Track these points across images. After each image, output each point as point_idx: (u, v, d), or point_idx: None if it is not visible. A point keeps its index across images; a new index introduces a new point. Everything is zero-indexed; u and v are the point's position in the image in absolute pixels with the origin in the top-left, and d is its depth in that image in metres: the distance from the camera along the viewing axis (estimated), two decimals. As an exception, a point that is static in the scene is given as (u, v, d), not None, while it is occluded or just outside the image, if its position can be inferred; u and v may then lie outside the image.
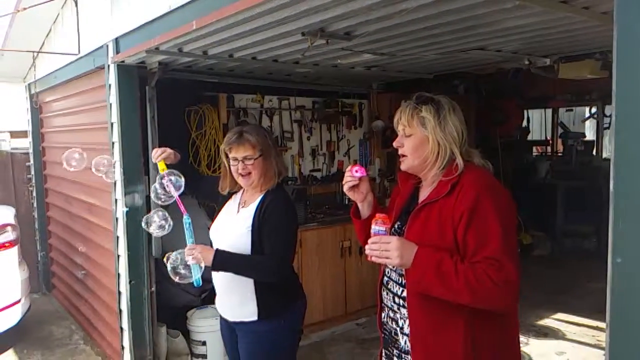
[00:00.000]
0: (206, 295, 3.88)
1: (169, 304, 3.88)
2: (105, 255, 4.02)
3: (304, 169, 5.09)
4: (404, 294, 1.67)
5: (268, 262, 2.20)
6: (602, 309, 1.17)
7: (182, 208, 2.16)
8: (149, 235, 2.62)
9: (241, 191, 2.40)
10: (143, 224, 2.24)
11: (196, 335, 3.76)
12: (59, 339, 4.66)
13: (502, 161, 6.10)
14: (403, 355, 1.71)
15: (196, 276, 2.09)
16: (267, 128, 4.63)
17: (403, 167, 1.73)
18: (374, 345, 3.97)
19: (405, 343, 1.69)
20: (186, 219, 2.16)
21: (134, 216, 3.44)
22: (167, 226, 2.21)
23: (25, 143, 6.13)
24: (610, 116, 5.98)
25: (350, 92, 5.27)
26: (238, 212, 2.35)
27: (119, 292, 3.69)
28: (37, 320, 4.99)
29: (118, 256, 3.65)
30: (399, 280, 1.71)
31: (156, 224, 2.21)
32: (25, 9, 4.10)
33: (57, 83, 4.85)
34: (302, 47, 2.91)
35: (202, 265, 2.10)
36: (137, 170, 3.51)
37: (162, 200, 2.17)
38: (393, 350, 1.76)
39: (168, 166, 2.26)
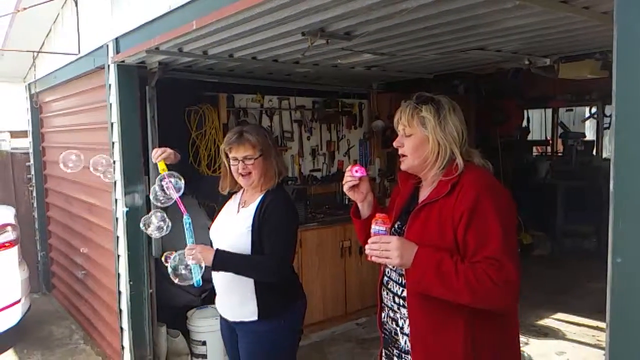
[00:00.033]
0: (206, 295, 3.88)
1: (169, 304, 3.88)
2: (105, 255, 4.02)
3: (304, 169, 5.09)
4: (404, 293, 1.67)
5: (268, 262, 2.20)
6: (602, 309, 1.17)
7: (182, 208, 2.16)
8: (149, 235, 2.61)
9: (241, 191, 2.40)
10: (141, 226, 2.24)
11: (196, 335, 3.76)
12: (59, 338, 4.66)
13: (502, 161, 6.10)
14: (403, 355, 1.71)
15: (196, 276, 2.09)
16: (267, 128, 4.63)
17: (403, 167, 1.73)
18: (374, 345, 3.97)
19: (405, 343, 1.69)
20: (186, 219, 2.16)
21: (134, 216, 3.43)
22: (165, 228, 2.21)
23: (25, 143, 6.13)
24: (610, 116, 5.98)
25: (350, 92, 5.27)
26: (238, 212, 2.35)
27: (119, 292, 3.69)
28: (37, 320, 4.99)
29: (118, 256, 3.65)
30: (399, 280, 1.71)
31: (154, 226, 2.21)
32: (25, 9, 4.10)
33: (57, 83, 4.85)
34: (302, 47, 2.91)
35: (202, 265, 2.10)
36: (137, 170, 3.51)
37: (162, 202, 2.17)
38: (393, 350, 1.76)
39: (168, 166, 2.26)
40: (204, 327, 3.70)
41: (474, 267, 1.47)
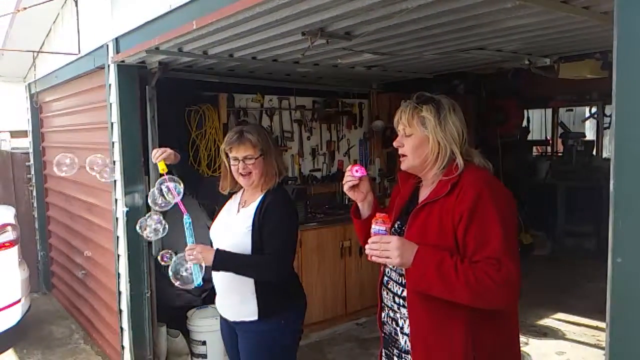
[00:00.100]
0: (206, 295, 3.88)
1: (169, 304, 3.88)
2: (105, 255, 4.02)
3: (304, 169, 5.09)
4: (404, 293, 1.67)
5: (268, 262, 2.20)
6: (602, 309, 1.17)
7: (182, 208, 2.17)
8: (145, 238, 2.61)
9: (241, 191, 2.40)
10: (137, 228, 2.23)
11: (196, 335, 3.76)
12: (59, 338, 4.66)
13: (502, 161, 6.10)
14: (403, 355, 1.71)
15: (197, 279, 2.09)
16: (267, 128, 4.63)
17: (403, 166, 1.73)
18: (374, 345, 3.97)
19: (405, 343, 1.69)
20: (186, 219, 2.16)
21: (134, 216, 3.43)
22: (161, 230, 2.21)
23: (25, 143, 6.13)
24: (610, 116, 5.98)
25: (350, 92, 5.27)
26: (238, 212, 2.35)
27: (119, 292, 3.69)
28: (37, 320, 4.99)
29: (118, 256, 3.65)
30: (399, 280, 1.71)
31: (150, 228, 2.21)
32: (25, 9, 4.10)
33: (57, 83, 4.84)
34: (302, 47, 2.91)
35: (203, 265, 2.10)
36: (137, 170, 3.51)
37: (160, 206, 2.17)
38: (393, 350, 1.76)
39: (168, 166, 2.26)
40: (204, 327, 3.71)
41: (474, 267, 1.47)
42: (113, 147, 3.57)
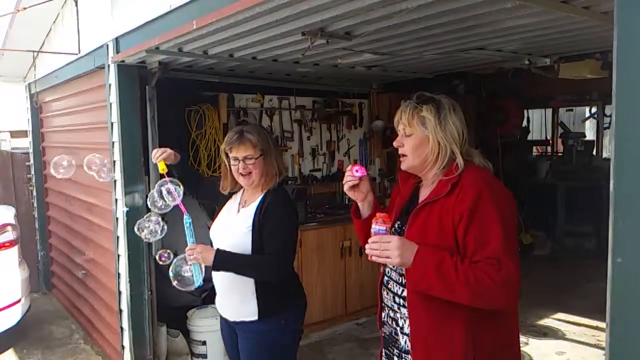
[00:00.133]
0: (206, 295, 3.88)
1: (169, 304, 3.88)
2: (105, 255, 4.02)
3: (304, 169, 5.09)
4: (404, 293, 1.67)
5: (269, 261, 2.20)
6: (602, 309, 1.17)
7: (182, 208, 2.17)
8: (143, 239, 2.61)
9: (241, 191, 2.40)
10: (135, 229, 2.23)
11: (196, 335, 3.76)
12: (59, 338, 4.66)
13: (502, 161, 6.10)
14: (403, 355, 1.71)
15: (198, 281, 2.10)
16: (267, 128, 4.63)
17: (403, 166, 1.73)
18: (374, 345, 3.97)
19: (405, 343, 1.69)
20: (187, 219, 2.17)
21: (134, 216, 3.43)
22: (159, 232, 2.21)
23: (25, 143, 6.13)
24: (610, 116, 5.98)
25: (350, 92, 5.27)
26: (238, 212, 2.35)
27: (119, 292, 3.69)
28: (37, 320, 4.99)
29: (118, 256, 3.65)
30: (399, 280, 1.71)
31: (147, 230, 2.22)
32: (25, 8, 4.11)
33: (57, 83, 4.84)
34: (302, 47, 2.91)
35: (203, 267, 2.11)
36: (137, 170, 3.51)
37: (159, 208, 2.17)
38: (393, 350, 1.76)
39: (168, 166, 2.27)
40: (204, 327, 3.71)
41: (474, 266, 1.47)
42: (113, 147, 3.57)
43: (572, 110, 8.38)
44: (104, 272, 4.09)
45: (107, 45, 3.57)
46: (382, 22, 2.44)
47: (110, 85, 3.57)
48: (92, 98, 4.09)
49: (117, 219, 3.63)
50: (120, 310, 3.70)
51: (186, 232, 2.16)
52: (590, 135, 8.35)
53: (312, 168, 5.15)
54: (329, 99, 5.17)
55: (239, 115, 4.60)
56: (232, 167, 2.29)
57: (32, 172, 5.87)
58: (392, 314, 1.75)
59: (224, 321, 2.43)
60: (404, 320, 1.69)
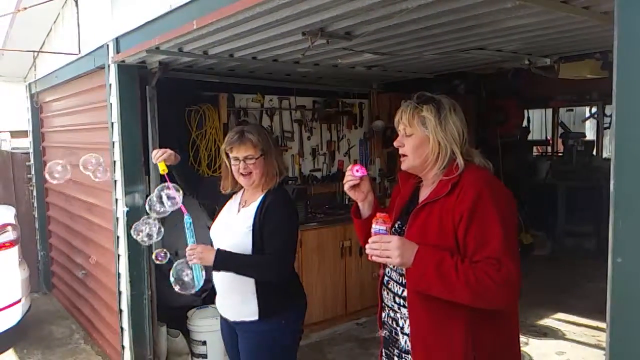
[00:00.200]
0: (206, 294, 3.88)
1: (169, 304, 3.88)
2: (105, 255, 4.02)
3: (304, 169, 5.09)
4: (405, 293, 1.67)
5: (269, 261, 2.20)
6: (602, 309, 1.17)
7: (183, 209, 2.17)
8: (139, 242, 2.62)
9: (241, 191, 2.40)
10: (131, 232, 2.24)
11: (196, 334, 3.76)
12: (59, 338, 4.66)
13: (502, 161, 6.10)
14: (403, 355, 1.71)
15: (198, 282, 2.10)
16: (268, 128, 4.63)
17: (404, 166, 1.73)
18: (374, 345, 3.97)
19: (405, 343, 1.70)
20: (187, 219, 2.17)
21: (134, 216, 3.43)
22: (155, 235, 2.21)
23: (26, 143, 6.13)
24: (610, 116, 5.99)
25: (351, 92, 5.27)
26: (239, 211, 2.35)
27: (119, 292, 3.69)
28: (37, 320, 4.99)
29: (118, 256, 3.65)
30: (399, 280, 1.71)
31: (144, 233, 2.22)
32: (25, 8, 4.11)
33: (57, 83, 4.84)
34: (303, 47, 2.91)
35: (203, 270, 2.11)
36: (137, 170, 3.51)
37: (158, 212, 2.17)
38: (393, 350, 1.77)
39: (168, 167, 2.27)
40: (204, 326, 3.71)
41: (474, 266, 1.48)
42: (113, 147, 3.58)
43: (572, 110, 8.38)
44: (104, 272, 4.09)
45: (108, 45, 3.57)
46: (382, 22, 2.44)
47: (110, 85, 3.57)
48: (92, 98, 4.09)
49: (117, 219, 3.63)
50: (121, 310, 3.70)
51: (186, 233, 2.16)
52: (590, 135, 8.35)
53: (312, 168, 5.15)
54: (329, 99, 5.17)
55: (239, 115, 4.60)
56: (233, 167, 2.29)
57: (33, 172, 5.87)
58: (392, 314, 1.75)
59: (224, 321, 2.44)
60: (404, 320, 1.69)
